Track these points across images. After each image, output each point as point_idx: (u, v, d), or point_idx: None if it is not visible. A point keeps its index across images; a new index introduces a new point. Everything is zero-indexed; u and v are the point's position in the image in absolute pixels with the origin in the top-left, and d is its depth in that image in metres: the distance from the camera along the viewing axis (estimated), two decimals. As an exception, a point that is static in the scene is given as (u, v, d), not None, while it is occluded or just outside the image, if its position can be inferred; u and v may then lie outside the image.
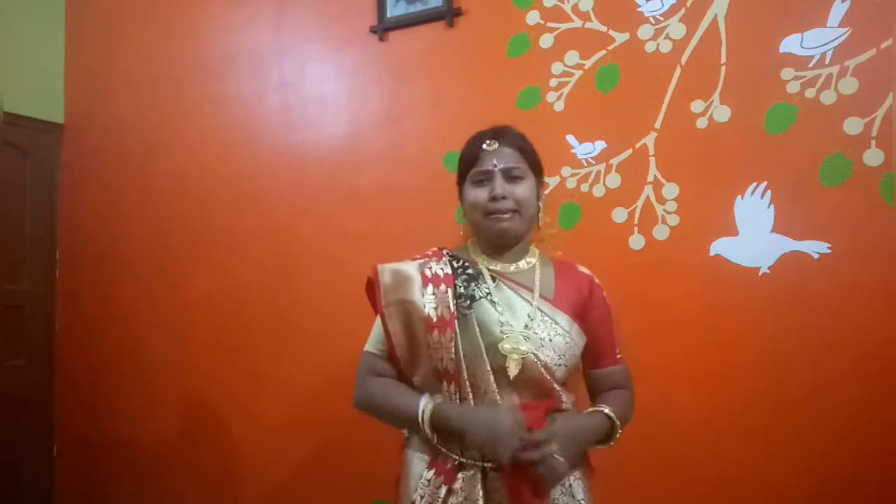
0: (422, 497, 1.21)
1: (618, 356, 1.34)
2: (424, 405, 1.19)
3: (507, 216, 1.24)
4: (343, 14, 2.36)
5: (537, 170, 1.31)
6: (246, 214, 2.54)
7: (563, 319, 1.26)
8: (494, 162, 1.24)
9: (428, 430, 1.18)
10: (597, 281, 1.35)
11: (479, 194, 1.25)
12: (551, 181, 1.98)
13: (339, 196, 2.35)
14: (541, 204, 1.32)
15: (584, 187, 1.94)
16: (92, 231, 2.93)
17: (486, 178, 1.25)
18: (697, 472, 1.78)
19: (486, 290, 1.25)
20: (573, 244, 1.92)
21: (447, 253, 1.33)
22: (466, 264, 1.30)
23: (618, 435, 1.25)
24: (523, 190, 1.25)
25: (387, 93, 2.28)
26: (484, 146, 1.25)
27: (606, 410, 1.24)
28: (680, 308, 1.81)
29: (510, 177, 1.24)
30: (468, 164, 1.28)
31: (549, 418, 1.20)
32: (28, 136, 2.91)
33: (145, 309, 2.76)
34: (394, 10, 2.25)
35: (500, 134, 1.28)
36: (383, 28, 2.27)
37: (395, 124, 2.26)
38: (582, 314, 1.29)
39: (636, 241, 1.87)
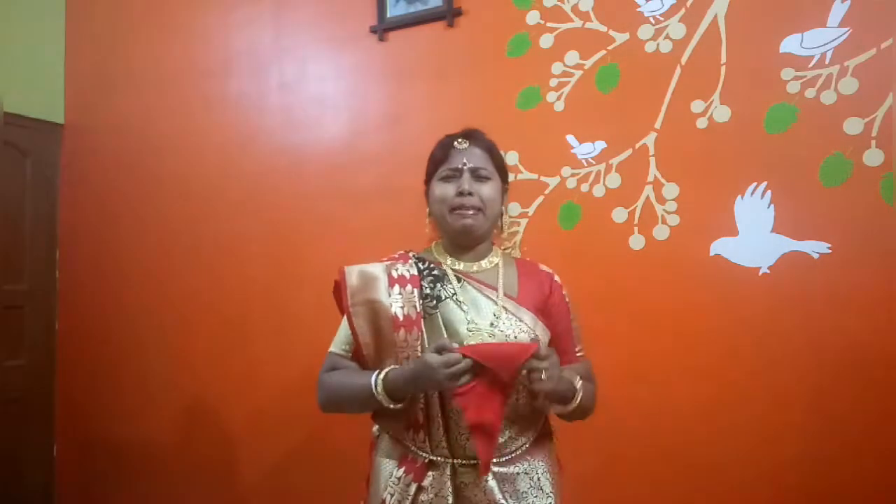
0: (392, 496, 1.23)
1: (578, 353, 1.36)
2: (376, 377, 1.20)
3: (471, 213, 1.27)
4: (343, 14, 2.37)
5: (503, 174, 1.35)
6: (246, 214, 2.54)
7: (528, 316, 1.28)
8: (464, 160, 1.28)
9: (383, 400, 1.19)
10: (557, 279, 1.38)
11: (446, 189, 1.29)
12: (551, 181, 1.98)
13: (339, 196, 2.35)
14: (504, 208, 1.36)
15: (584, 187, 1.94)
16: (92, 231, 2.93)
17: (454, 175, 1.29)
18: (697, 470, 1.78)
19: (452, 291, 1.28)
20: (573, 244, 1.94)
21: (413, 255, 1.36)
22: (432, 266, 1.33)
23: (574, 404, 1.21)
24: (489, 190, 1.29)
25: (387, 93, 2.28)
26: (455, 144, 1.30)
27: (573, 378, 1.23)
28: (680, 308, 1.81)
29: (478, 176, 1.29)
30: (437, 162, 1.32)
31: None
32: (28, 136, 2.91)
33: (145, 309, 2.76)
34: (394, 10, 2.25)
35: (470, 135, 1.32)
36: (383, 28, 2.27)
37: (395, 124, 2.26)
38: (544, 311, 1.32)
39: (636, 241, 1.87)
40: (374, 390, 1.19)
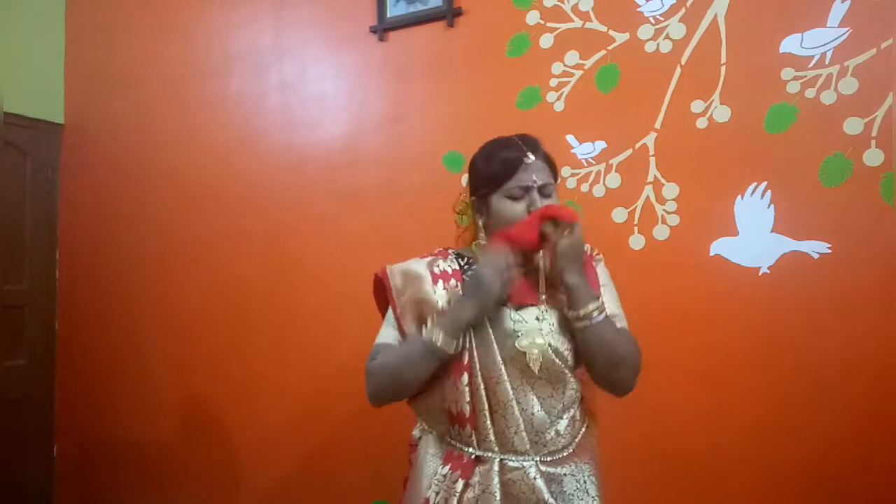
0: (437, 493, 1.22)
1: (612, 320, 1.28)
2: (427, 326, 1.20)
3: None
4: (343, 14, 2.37)
5: (556, 182, 1.32)
6: (246, 214, 2.54)
7: (565, 300, 1.25)
8: (534, 178, 1.23)
9: (441, 340, 1.17)
10: (592, 254, 1.35)
11: (515, 209, 1.24)
12: (551, 181, 1.98)
13: (339, 196, 2.35)
14: None
15: (584, 187, 1.94)
16: (92, 231, 2.93)
17: (522, 195, 1.24)
18: (697, 469, 1.78)
19: None
20: (573, 244, 1.94)
21: (452, 252, 1.36)
22: (471, 262, 1.32)
23: (589, 318, 1.19)
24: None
25: (387, 93, 2.28)
26: (525, 160, 1.24)
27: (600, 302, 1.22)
28: (680, 308, 1.81)
29: (545, 194, 1.25)
30: (504, 175, 1.24)
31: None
32: (28, 136, 2.91)
33: (145, 309, 2.76)
34: (394, 10, 2.25)
35: (534, 147, 1.27)
36: (383, 28, 2.27)
37: (395, 124, 2.26)
38: None
39: (636, 241, 1.87)
40: (428, 336, 1.18)
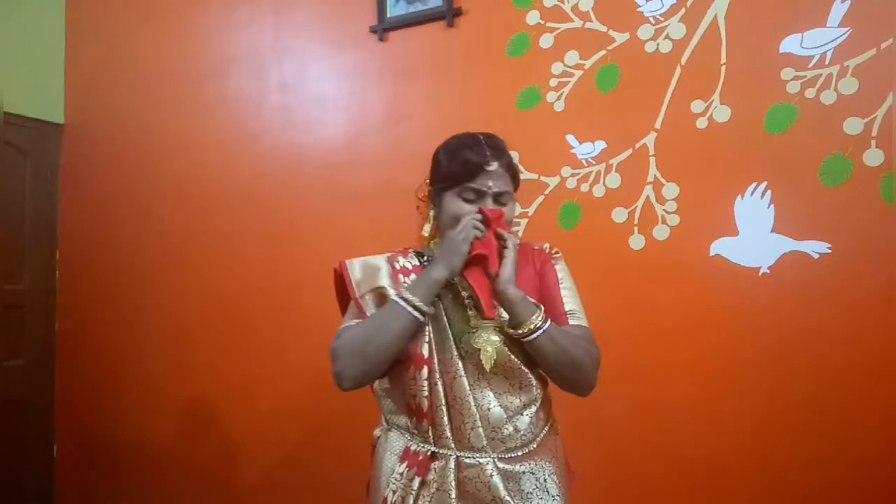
0: (394, 492, 1.22)
1: (571, 319, 1.26)
2: (399, 292, 1.19)
3: None
4: (343, 14, 2.37)
5: (517, 187, 1.31)
6: (246, 214, 2.54)
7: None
8: (490, 184, 1.23)
9: (415, 299, 1.17)
10: (550, 251, 1.33)
11: (464, 209, 1.24)
12: (551, 181, 1.98)
13: (339, 196, 2.35)
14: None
15: (584, 187, 1.94)
16: (92, 231, 2.93)
17: (476, 197, 1.24)
18: (697, 469, 1.78)
19: (451, 281, 1.25)
20: (573, 244, 1.93)
21: (412, 251, 1.36)
22: (430, 259, 1.32)
23: (530, 333, 1.16)
24: (507, 212, 1.26)
25: (387, 93, 2.28)
26: (486, 167, 1.23)
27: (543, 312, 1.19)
28: (680, 308, 1.81)
29: (499, 202, 1.25)
30: (462, 178, 1.24)
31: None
32: (28, 136, 2.91)
33: (145, 309, 2.76)
34: (394, 10, 2.25)
35: (498, 153, 1.26)
36: (383, 28, 2.27)
37: (395, 124, 2.26)
38: (538, 288, 1.28)
39: (636, 241, 1.87)
40: (400, 300, 1.17)
